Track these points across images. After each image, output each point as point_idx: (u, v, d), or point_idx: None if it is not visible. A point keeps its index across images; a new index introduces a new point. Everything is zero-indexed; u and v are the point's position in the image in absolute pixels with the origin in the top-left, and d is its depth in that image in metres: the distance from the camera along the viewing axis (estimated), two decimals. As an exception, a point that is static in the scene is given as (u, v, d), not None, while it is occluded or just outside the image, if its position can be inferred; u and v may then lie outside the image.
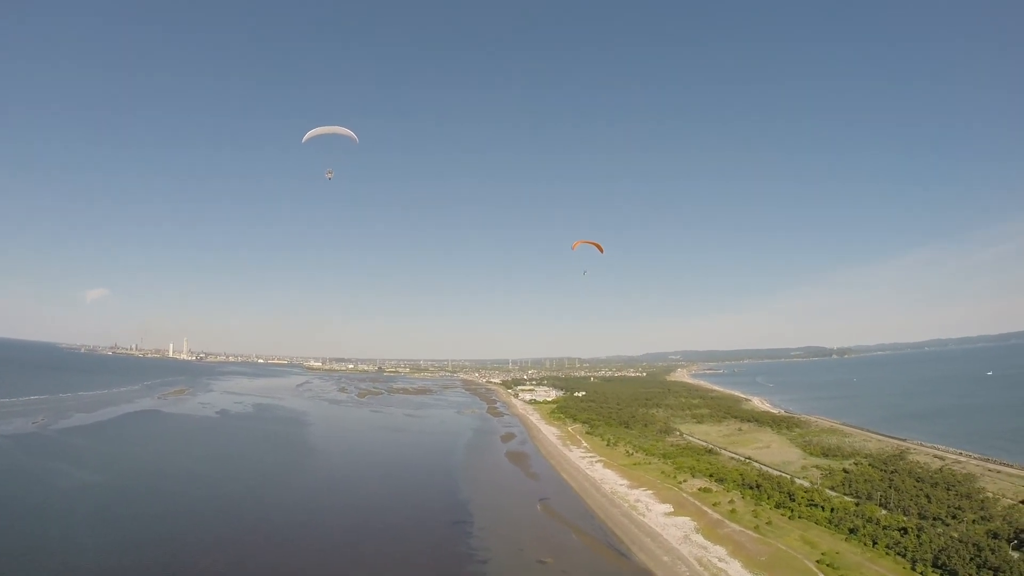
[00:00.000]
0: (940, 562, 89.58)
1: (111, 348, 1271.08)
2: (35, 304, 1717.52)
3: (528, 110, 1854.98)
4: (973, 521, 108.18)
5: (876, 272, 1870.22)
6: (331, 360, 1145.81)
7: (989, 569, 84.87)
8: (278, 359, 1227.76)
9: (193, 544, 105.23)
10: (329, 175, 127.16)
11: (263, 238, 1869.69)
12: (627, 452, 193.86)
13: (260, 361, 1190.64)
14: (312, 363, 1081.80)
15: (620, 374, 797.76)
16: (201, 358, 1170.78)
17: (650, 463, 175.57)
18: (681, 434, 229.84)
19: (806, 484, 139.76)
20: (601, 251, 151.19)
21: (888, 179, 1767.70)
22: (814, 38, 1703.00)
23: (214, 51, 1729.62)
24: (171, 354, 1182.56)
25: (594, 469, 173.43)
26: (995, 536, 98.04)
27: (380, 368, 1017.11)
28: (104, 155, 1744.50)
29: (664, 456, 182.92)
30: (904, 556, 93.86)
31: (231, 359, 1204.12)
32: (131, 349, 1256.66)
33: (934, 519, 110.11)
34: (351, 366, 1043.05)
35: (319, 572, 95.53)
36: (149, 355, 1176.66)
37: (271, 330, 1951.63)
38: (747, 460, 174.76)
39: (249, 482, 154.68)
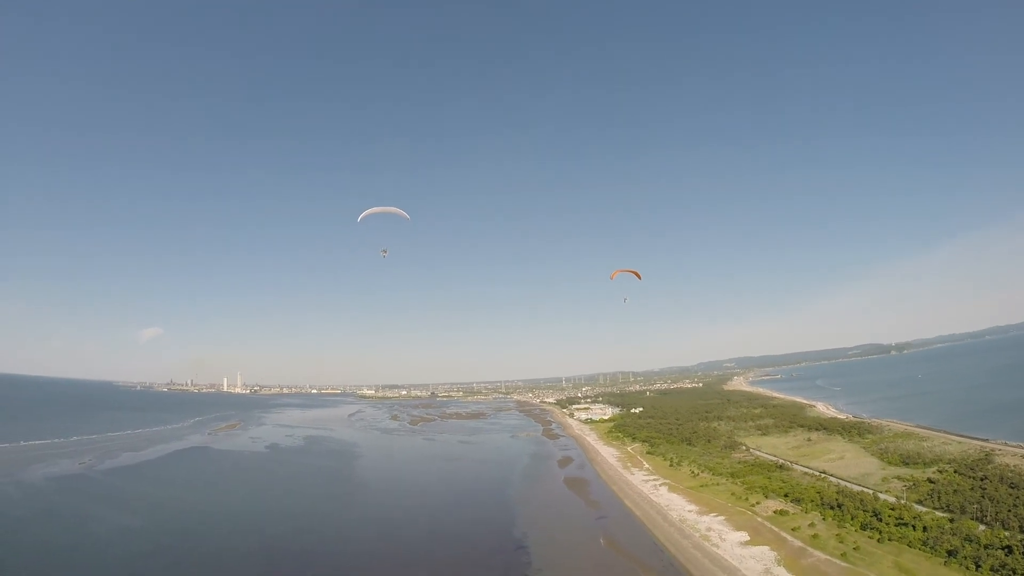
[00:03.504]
0: (1058, 588, 79.99)
1: (167, 384, 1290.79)
2: (92, 344, 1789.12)
3: (578, 118, 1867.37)
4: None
5: (927, 261, 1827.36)
6: (384, 387, 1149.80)
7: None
8: (331, 388, 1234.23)
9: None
10: (384, 254, 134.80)
11: (311, 269, 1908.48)
12: (692, 472, 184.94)
13: (313, 391, 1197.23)
14: (365, 391, 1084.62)
15: (676, 386, 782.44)
16: (255, 391, 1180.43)
17: (718, 484, 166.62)
18: (747, 448, 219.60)
19: (891, 499, 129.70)
20: (639, 278, 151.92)
21: (928, 164, 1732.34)
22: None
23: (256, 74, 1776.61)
24: (226, 388, 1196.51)
25: (659, 494, 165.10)
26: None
27: (433, 393, 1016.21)
28: (148, 204, 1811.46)
29: (732, 475, 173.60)
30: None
31: (285, 391, 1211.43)
32: (186, 385, 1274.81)
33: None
34: (404, 392, 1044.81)
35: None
36: (204, 390, 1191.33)
37: (324, 360, 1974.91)
38: (822, 475, 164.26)
39: (293, 522, 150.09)
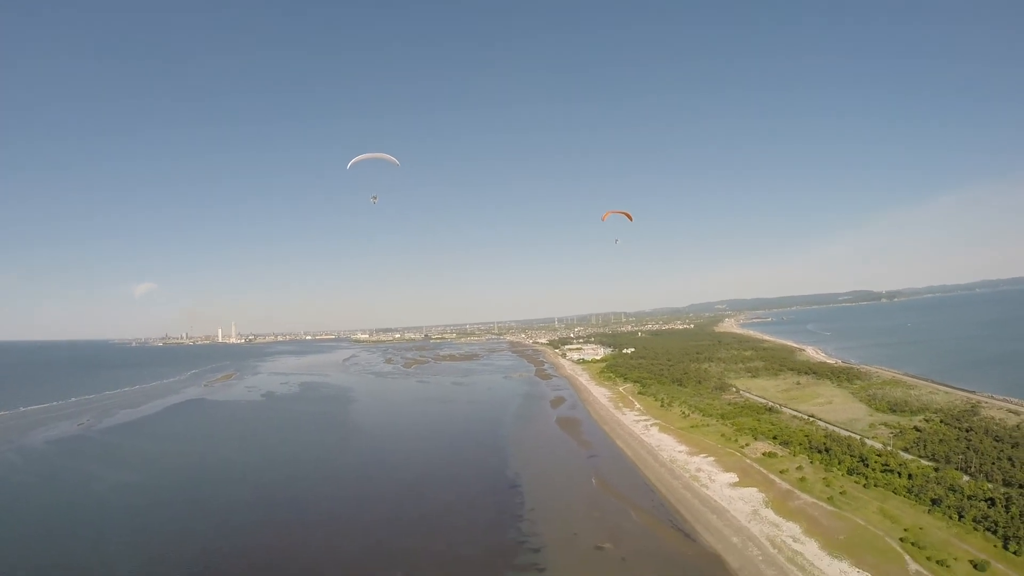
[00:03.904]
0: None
1: (162, 339, 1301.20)
2: (87, 305, 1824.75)
3: (566, 62, 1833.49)
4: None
5: (922, 212, 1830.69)
6: (378, 331, 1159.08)
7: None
8: (325, 334, 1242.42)
9: (226, 545, 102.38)
10: (374, 200, 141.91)
11: (302, 216, 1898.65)
12: (683, 413, 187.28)
13: (308, 338, 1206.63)
14: (359, 335, 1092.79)
15: (668, 327, 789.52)
16: (250, 340, 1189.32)
17: (708, 425, 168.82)
18: (737, 390, 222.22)
19: (878, 445, 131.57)
20: (630, 219, 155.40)
21: (930, 117, 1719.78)
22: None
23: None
24: (220, 339, 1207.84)
25: (649, 434, 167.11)
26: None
27: (427, 335, 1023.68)
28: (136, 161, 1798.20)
29: (722, 416, 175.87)
30: (995, 532, 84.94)
31: (280, 338, 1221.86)
32: (181, 338, 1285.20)
33: (1020, 487, 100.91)
34: (398, 335, 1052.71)
35: (359, 563, 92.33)
36: (199, 342, 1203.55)
37: (317, 306, 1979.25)
38: (811, 418, 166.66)
39: (289, 469, 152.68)
